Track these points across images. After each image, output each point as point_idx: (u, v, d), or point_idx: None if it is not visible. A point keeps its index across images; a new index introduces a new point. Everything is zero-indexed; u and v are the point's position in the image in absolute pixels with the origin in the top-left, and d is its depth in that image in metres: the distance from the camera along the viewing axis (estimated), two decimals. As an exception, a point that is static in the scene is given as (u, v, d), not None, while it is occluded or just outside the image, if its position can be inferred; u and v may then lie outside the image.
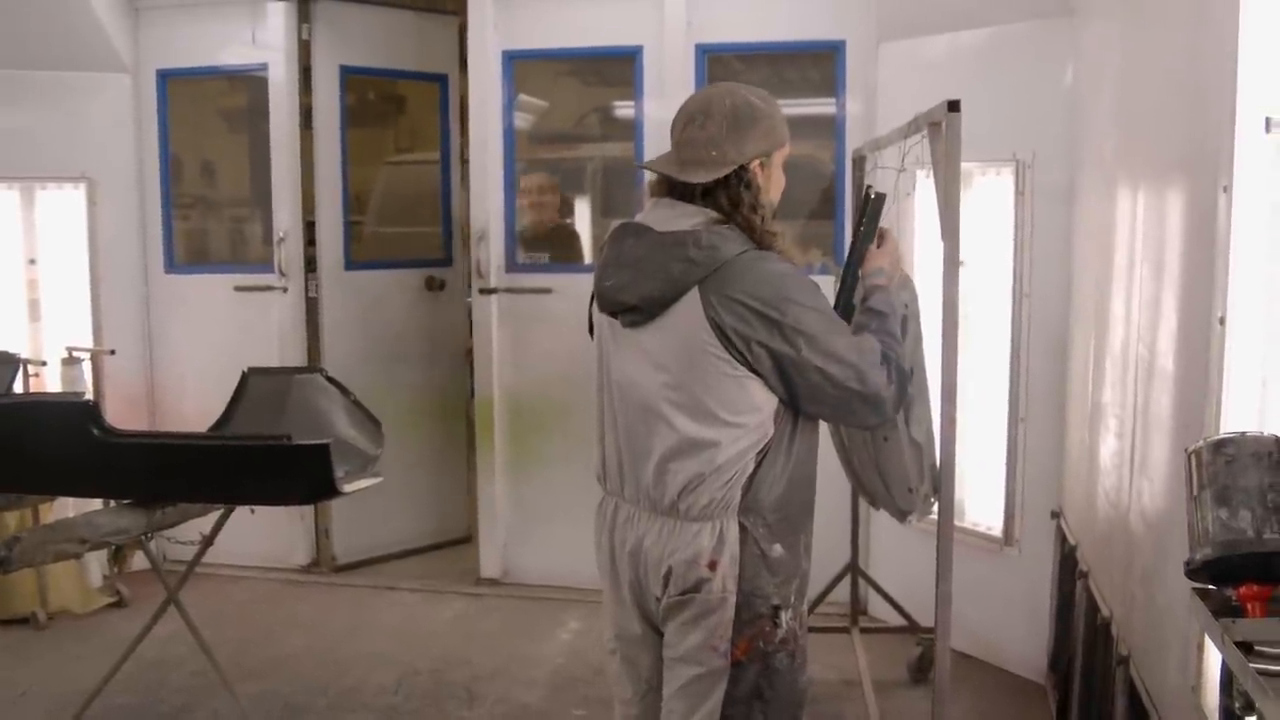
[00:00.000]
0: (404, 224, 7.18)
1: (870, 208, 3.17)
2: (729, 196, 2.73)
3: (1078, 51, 4.63)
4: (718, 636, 2.76)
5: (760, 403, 2.70)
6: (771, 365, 2.66)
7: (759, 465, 2.73)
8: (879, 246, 3.11)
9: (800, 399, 2.72)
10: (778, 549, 2.77)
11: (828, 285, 5.06)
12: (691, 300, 2.66)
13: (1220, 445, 2.06)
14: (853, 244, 3.21)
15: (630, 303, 2.75)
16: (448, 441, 6.95)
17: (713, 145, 2.72)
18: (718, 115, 2.74)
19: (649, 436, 2.78)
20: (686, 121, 2.78)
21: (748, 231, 2.72)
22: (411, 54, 6.71)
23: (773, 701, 2.81)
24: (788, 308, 2.64)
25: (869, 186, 3.36)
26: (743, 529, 2.73)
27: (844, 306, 3.06)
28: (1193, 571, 2.07)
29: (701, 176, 2.72)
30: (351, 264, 6.61)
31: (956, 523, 4.81)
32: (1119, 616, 3.57)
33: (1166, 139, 3.26)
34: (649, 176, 2.89)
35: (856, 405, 2.74)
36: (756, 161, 2.76)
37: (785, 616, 2.79)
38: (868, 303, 2.97)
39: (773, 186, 2.84)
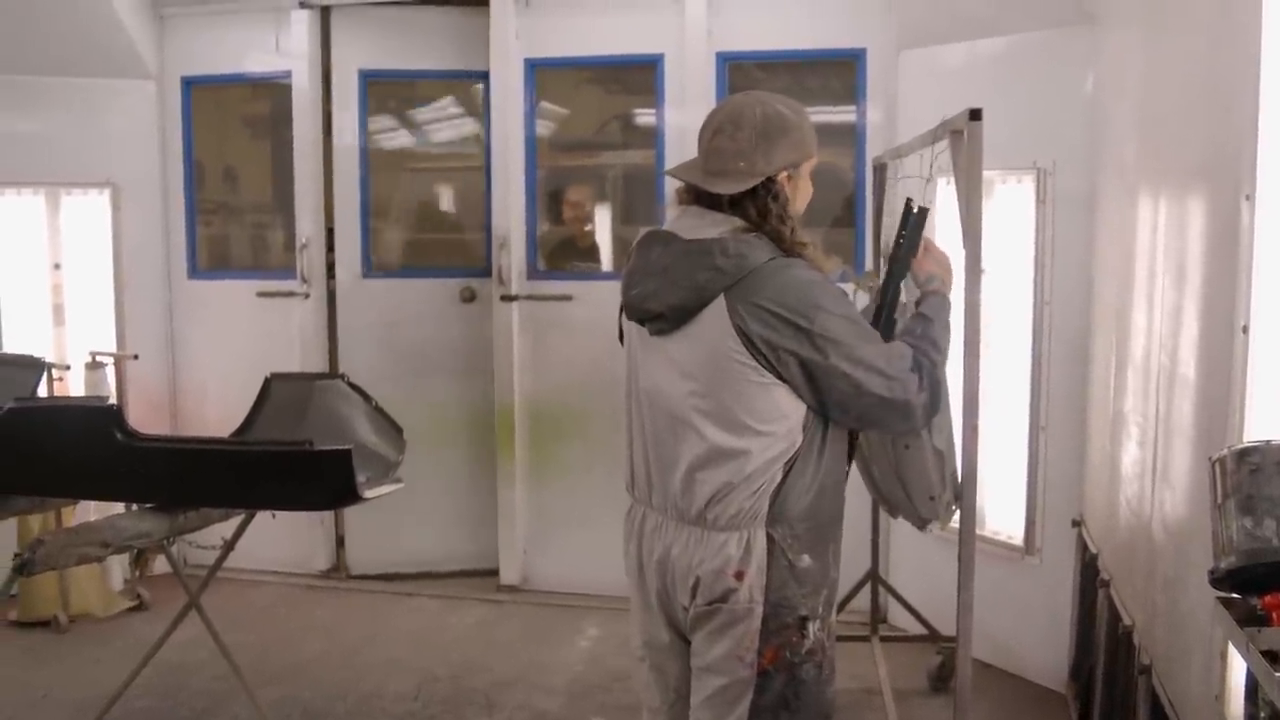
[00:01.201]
0: (440, 231, 7.09)
1: (913, 221, 3.17)
2: (757, 207, 2.71)
3: (1098, 59, 4.62)
4: (744, 647, 2.75)
5: (788, 410, 2.69)
6: (800, 372, 2.65)
7: (787, 475, 2.71)
8: (925, 254, 3.11)
9: (829, 406, 2.71)
10: (806, 559, 2.75)
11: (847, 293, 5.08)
12: (718, 308, 2.64)
13: (1244, 454, 2.06)
14: (892, 258, 3.20)
15: (657, 310, 2.74)
16: (478, 463, 6.50)
17: (741, 156, 2.71)
18: (747, 126, 2.72)
19: (677, 445, 2.77)
20: (715, 130, 2.76)
21: (776, 241, 2.70)
22: (447, 52, 6.50)
23: (799, 712, 2.79)
24: (815, 314, 2.62)
25: (909, 199, 3.34)
26: (770, 539, 2.71)
27: (886, 321, 3.06)
28: (1217, 580, 2.06)
29: (728, 187, 2.71)
30: (370, 272, 6.58)
31: (977, 531, 4.80)
32: (1141, 625, 3.56)
33: (1188, 146, 3.25)
34: (673, 183, 2.89)
35: (885, 412, 2.74)
36: (784, 173, 2.75)
37: (813, 627, 2.78)
38: (920, 307, 2.98)
39: (799, 197, 2.82)
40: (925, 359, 2.78)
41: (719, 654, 2.78)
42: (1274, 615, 1.98)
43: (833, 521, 2.83)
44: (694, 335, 2.70)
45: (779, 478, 2.71)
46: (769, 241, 2.70)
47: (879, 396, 2.69)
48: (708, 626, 2.79)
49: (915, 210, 3.20)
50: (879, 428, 2.94)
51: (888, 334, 2.97)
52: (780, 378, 2.65)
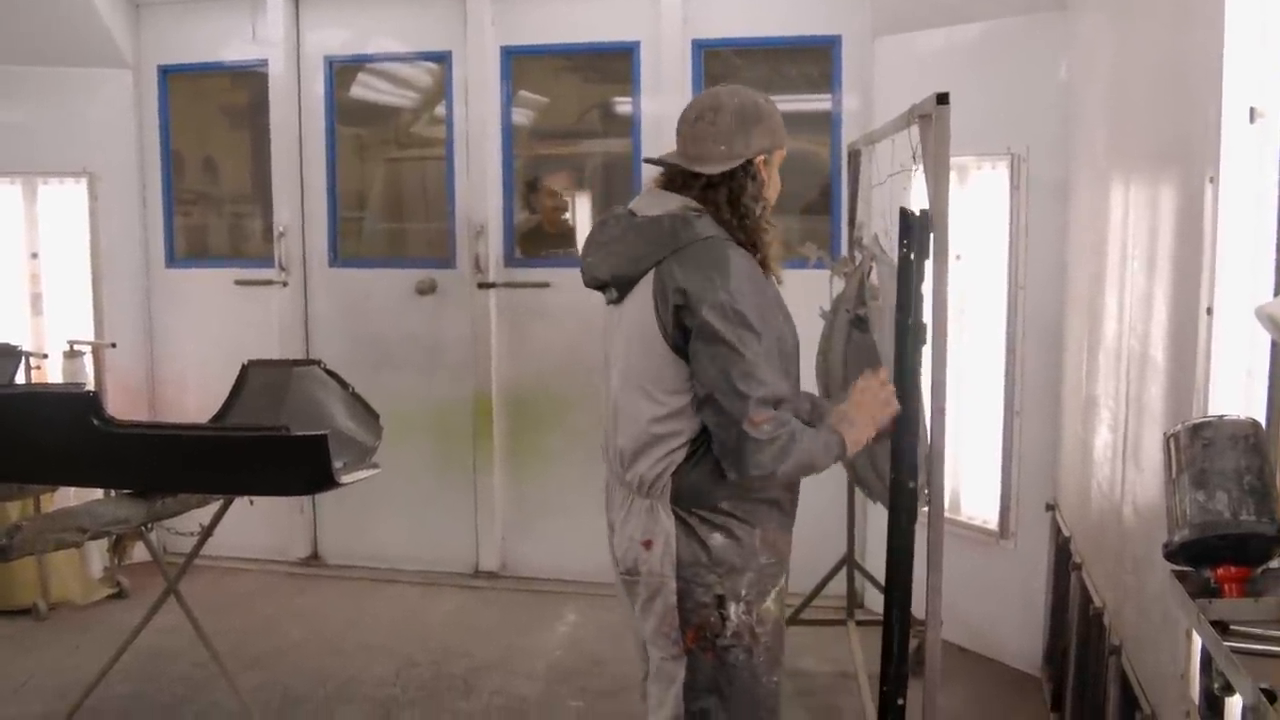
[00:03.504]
0: (402, 219, 7.00)
1: (917, 227, 3.17)
2: (734, 186, 2.82)
3: (1071, 45, 4.65)
4: (667, 624, 2.83)
5: (688, 386, 2.75)
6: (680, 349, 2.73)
7: (690, 455, 2.77)
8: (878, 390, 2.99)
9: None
10: (717, 539, 2.79)
11: (823, 280, 5.11)
12: (649, 279, 2.77)
13: (1198, 429, 2.09)
14: (901, 270, 3.17)
15: (602, 278, 2.89)
16: (448, 455, 6.39)
17: (722, 140, 2.82)
18: (726, 112, 2.84)
19: (618, 412, 2.89)
20: (696, 117, 2.87)
21: (743, 219, 2.81)
22: (411, 33, 6.37)
23: (732, 698, 2.83)
24: (707, 301, 2.66)
25: (903, 208, 3.32)
26: (677, 516, 2.79)
27: (913, 330, 3.07)
28: (1171, 554, 2.09)
29: (711, 169, 2.82)
30: (337, 260, 6.51)
31: (953, 516, 4.85)
32: (1111, 607, 3.59)
33: (1156, 131, 3.28)
34: (650, 170, 3.00)
35: (718, 428, 2.68)
36: (761, 157, 2.85)
37: (735, 610, 2.80)
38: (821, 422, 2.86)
39: (770, 186, 2.91)
40: (789, 428, 2.67)
41: (650, 630, 2.89)
42: (1226, 587, 2.01)
43: (754, 511, 2.82)
44: (631, 304, 2.83)
45: (682, 456, 2.77)
46: (712, 220, 2.80)
47: (716, 403, 2.66)
48: (638, 600, 2.89)
49: (917, 214, 3.20)
50: (717, 446, 2.72)
51: (907, 342, 3.04)
52: (675, 349, 2.73)
